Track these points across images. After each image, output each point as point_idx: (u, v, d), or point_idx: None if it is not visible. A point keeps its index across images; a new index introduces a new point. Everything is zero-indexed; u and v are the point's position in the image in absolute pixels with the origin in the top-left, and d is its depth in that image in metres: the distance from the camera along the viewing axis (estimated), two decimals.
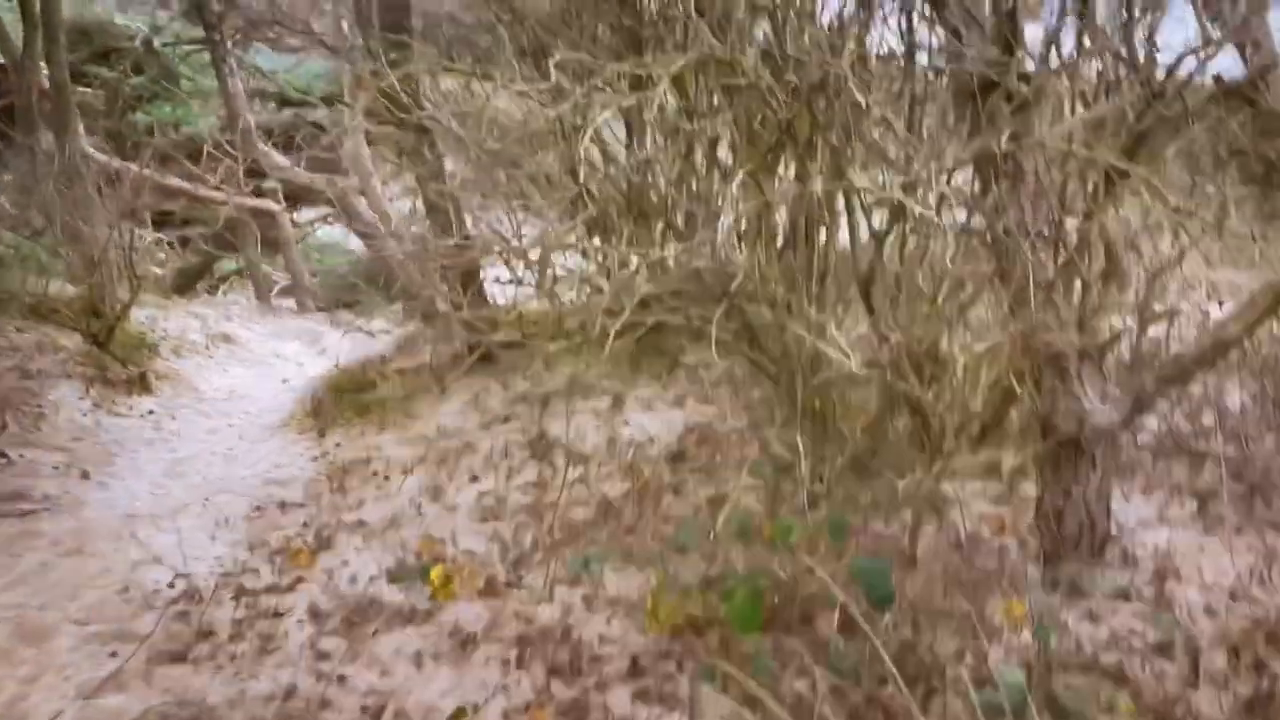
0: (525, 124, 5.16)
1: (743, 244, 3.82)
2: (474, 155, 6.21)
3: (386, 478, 5.80)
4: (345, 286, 18.80)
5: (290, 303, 19.45)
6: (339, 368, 8.43)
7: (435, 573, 3.99)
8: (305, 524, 5.11)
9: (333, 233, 19.49)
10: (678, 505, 4.89)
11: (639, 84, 3.35)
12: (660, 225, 3.96)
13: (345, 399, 7.45)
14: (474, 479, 5.62)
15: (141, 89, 14.87)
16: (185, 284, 17.85)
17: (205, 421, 7.73)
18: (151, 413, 7.66)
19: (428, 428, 6.59)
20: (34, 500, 5.44)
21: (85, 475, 5.96)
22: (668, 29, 3.67)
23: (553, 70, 3.31)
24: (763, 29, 3.65)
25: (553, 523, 4.78)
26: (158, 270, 16.58)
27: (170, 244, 18.18)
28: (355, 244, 20.37)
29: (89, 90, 14.25)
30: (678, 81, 3.46)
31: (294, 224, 16.45)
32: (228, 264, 19.41)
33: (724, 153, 4.09)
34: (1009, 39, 3.33)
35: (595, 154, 3.95)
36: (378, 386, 7.53)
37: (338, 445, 6.58)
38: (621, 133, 5.03)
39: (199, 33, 10.04)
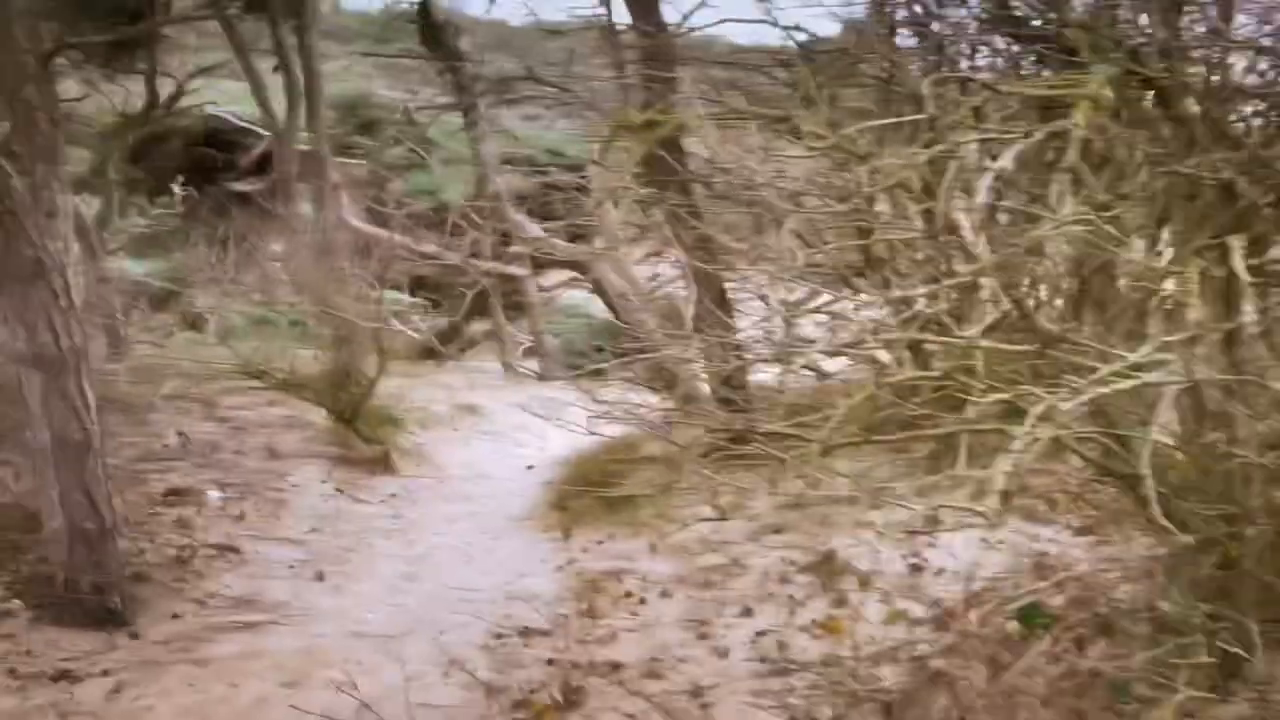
0: (827, 181, 4.21)
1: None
2: (765, 217, 5.30)
3: (642, 600, 4.90)
4: (586, 353, 18.60)
5: (533, 364, 19.52)
6: (584, 454, 7.69)
7: None
8: (550, 662, 4.26)
9: (575, 297, 19.39)
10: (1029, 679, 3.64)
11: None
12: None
13: (590, 489, 6.65)
14: (746, 612, 4.61)
15: (400, 158, 15.27)
16: (434, 347, 18.17)
17: (445, 508, 7.17)
18: (393, 496, 7.21)
19: (686, 535, 5.65)
20: (264, 608, 4.93)
21: (319, 577, 5.44)
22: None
23: (927, 93, 2.30)
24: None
25: (856, 691, 3.67)
26: (413, 333, 16.96)
27: (421, 308, 18.68)
28: (597, 308, 20.28)
29: (351, 161, 14.74)
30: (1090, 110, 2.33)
31: (539, 288, 16.33)
32: (476, 327, 19.77)
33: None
34: None
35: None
36: (627, 479, 6.69)
37: (584, 551, 5.78)
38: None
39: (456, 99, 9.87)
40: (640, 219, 14.45)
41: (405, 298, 15.00)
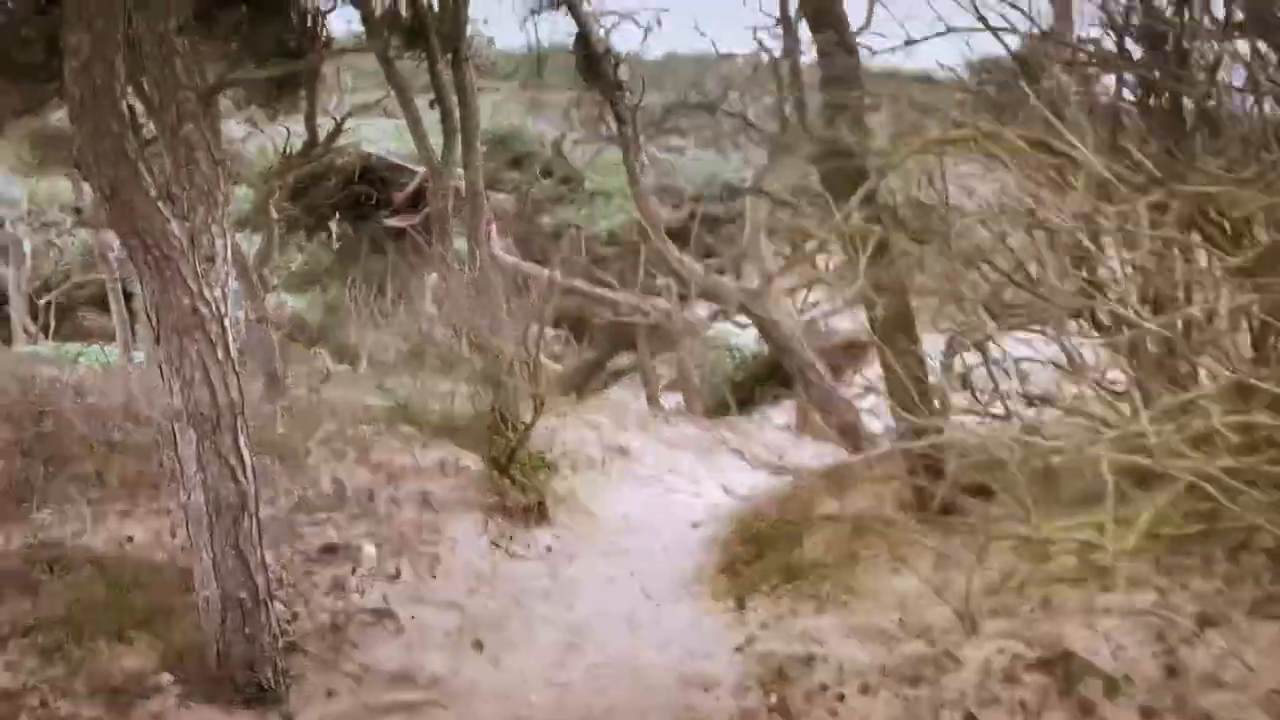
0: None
1: None
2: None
3: (840, 698, 4.25)
4: (735, 387, 17.96)
5: (677, 398, 19.03)
6: (751, 506, 7.10)
7: None
8: None
9: (723, 330, 18.84)
10: None
11: None
12: None
13: (765, 553, 6.06)
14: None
15: (550, 191, 15.11)
16: (579, 381, 17.92)
17: (603, 565, 6.69)
18: (549, 550, 6.78)
19: (882, 612, 4.98)
20: (422, 685, 4.53)
21: (478, 646, 5.02)
22: None
23: None
24: None
25: None
26: (555, 366, 16.75)
27: (566, 340, 18.49)
28: (744, 341, 19.65)
29: (501, 195, 14.67)
30: None
31: (686, 322, 15.86)
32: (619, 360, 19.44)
33: None
34: None
35: None
36: (804, 540, 6.06)
37: (764, 627, 5.15)
38: None
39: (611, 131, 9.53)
40: (798, 250, 13.78)
41: (549, 331, 14.79)
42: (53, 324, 18.51)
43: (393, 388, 8.75)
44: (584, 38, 7.69)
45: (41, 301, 18.30)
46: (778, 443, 11.82)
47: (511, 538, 6.79)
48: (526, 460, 7.63)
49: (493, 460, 7.23)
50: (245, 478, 4.13)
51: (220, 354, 4.05)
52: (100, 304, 17.95)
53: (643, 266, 12.74)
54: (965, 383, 5.99)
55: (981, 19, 4.73)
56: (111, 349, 15.82)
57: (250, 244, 11.50)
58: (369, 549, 5.67)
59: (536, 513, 7.27)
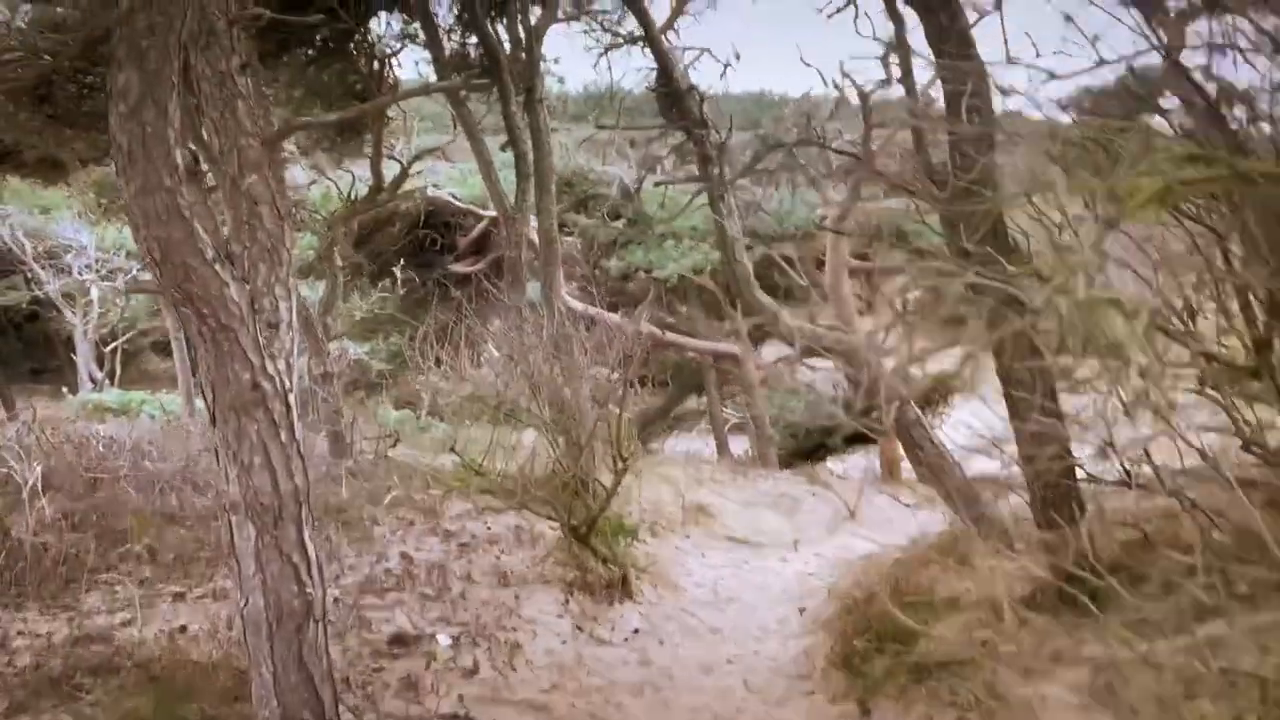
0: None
1: None
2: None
3: None
4: (807, 435, 17.22)
5: (743, 442, 18.31)
6: (860, 584, 6.39)
7: None
8: None
9: (807, 377, 18.13)
10: None
11: None
12: None
13: (884, 644, 5.35)
14: None
15: (617, 234, 14.64)
16: (648, 424, 17.33)
17: (698, 650, 6.03)
18: (636, 632, 6.14)
19: None
20: None
21: None
22: None
23: None
24: None
25: None
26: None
27: (632, 385, 17.93)
28: (818, 383, 18.91)
29: (569, 239, 14.22)
30: None
31: (761, 367, 15.21)
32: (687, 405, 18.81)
33: None
34: None
35: None
36: (927, 626, 5.35)
37: None
38: None
39: (690, 172, 9.00)
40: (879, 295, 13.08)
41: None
42: (118, 370, 18.44)
43: (460, 446, 8.23)
44: (666, 73, 7.18)
45: (108, 348, 18.25)
46: (878, 502, 11.06)
47: (595, 618, 6.17)
48: (606, 527, 7.04)
49: (572, 529, 6.64)
50: (310, 577, 3.58)
51: (284, 435, 3.53)
52: (166, 349, 17.85)
53: (725, 309, 12.18)
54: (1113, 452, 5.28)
55: (1148, 38, 4.08)
56: (174, 397, 15.62)
57: (314, 292, 11.14)
58: (443, 639, 5.10)
59: (621, 587, 6.66)
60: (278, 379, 3.58)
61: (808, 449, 16.73)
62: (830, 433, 16.71)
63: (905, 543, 9.57)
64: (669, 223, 12.55)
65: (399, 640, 5.05)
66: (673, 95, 7.26)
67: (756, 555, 8.98)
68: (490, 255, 13.55)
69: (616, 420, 6.48)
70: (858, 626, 5.79)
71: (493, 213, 13.95)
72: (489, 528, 7.05)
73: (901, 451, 14.13)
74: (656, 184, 8.96)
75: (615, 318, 10.01)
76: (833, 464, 16.24)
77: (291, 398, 3.64)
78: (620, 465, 6.62)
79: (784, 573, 8.42)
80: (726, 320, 14.80)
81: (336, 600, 5.38)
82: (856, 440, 17.02)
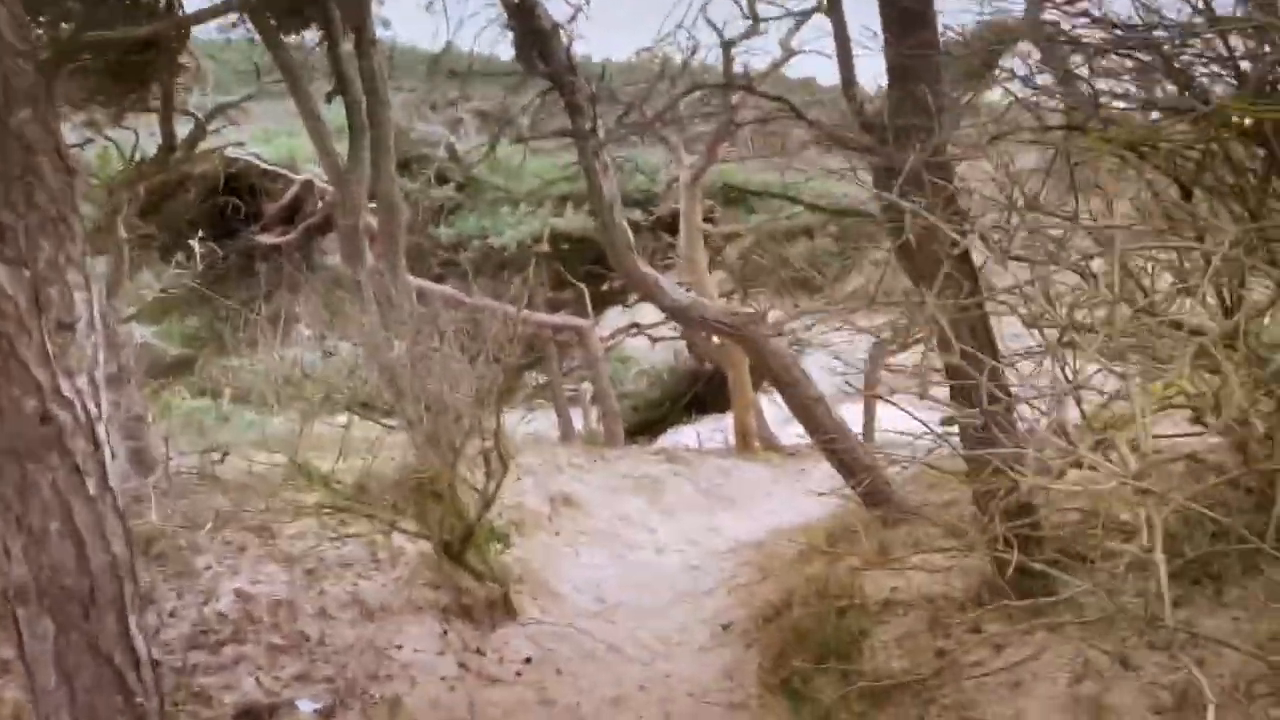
0: None
1: None
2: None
3: None
4: (651, 406, 16.66)
5: (580, 419, 17.57)
6: (778, 590, 5.77)
7: None
8: None
9: (635, 346, 17.52)
10: None
11: None
12: None
13: (824, 657, 4.74)
14: None
15: (445, 199, 13.47)
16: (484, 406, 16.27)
17: (600, 676, 5.25)
18: (529, 661, 5.28)
19: None
20: None
21: None
22: None
23: None
24: None
25: None
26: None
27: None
28: (657, 358, 18.34)
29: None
30: None
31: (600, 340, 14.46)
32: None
33: None
34: None
35: None
36: (869, 637, 4.77)
37: None
38: None
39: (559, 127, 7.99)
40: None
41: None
42: None
43: (286, 438, 7.02)
44: (527, 9, 6.20)
45: None
46: (739, 476, 10.56)
47: (479, 649, 5.27)
48: (480, 536, 6.10)
49: (444, 545, 5.67)
50: (141, 683, 2.53)
51: (93, 485, 2.46)
52: None
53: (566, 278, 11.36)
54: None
55: None
56: None
57: (95, 269, 9.46)
58: (305, 708, 4.08)
59: (502, 607, 5.77)
60: (79, 404, 2.49)
61: (651, 421, 16.19)
62: (675, 402, 16.24)
63: (787, 525, 9.11)
64: (515, 188, 11.51)
65: (249, 715, 3.99)
66: (534, 35, 6.30)
67: (629, 547, 8.26)
68: (303, 224, 12.08)
69: (496, 414, 5.56)
70: (786, 639, 5.15)
71: (305, 176, 12.48)
72: (339, 547, 5.96)
73: (754, 421, 13.79)
74: (514, 142, 7.97)
75: (494, 301, 9.01)
76: (681, 435, 15.76)
77: (101, 429, 2.56)
78: (500, 466, 5.69)
79: (664, 566, 7.75)
80: (568, 291, 13.96)
81: (157, 664, 4.23)
82: (698, 409, 16.63)
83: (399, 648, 4.99)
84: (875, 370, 15.72)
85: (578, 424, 16.39)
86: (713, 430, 15.14)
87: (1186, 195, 4.11)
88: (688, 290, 10.19)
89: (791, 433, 17.93)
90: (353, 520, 6.04)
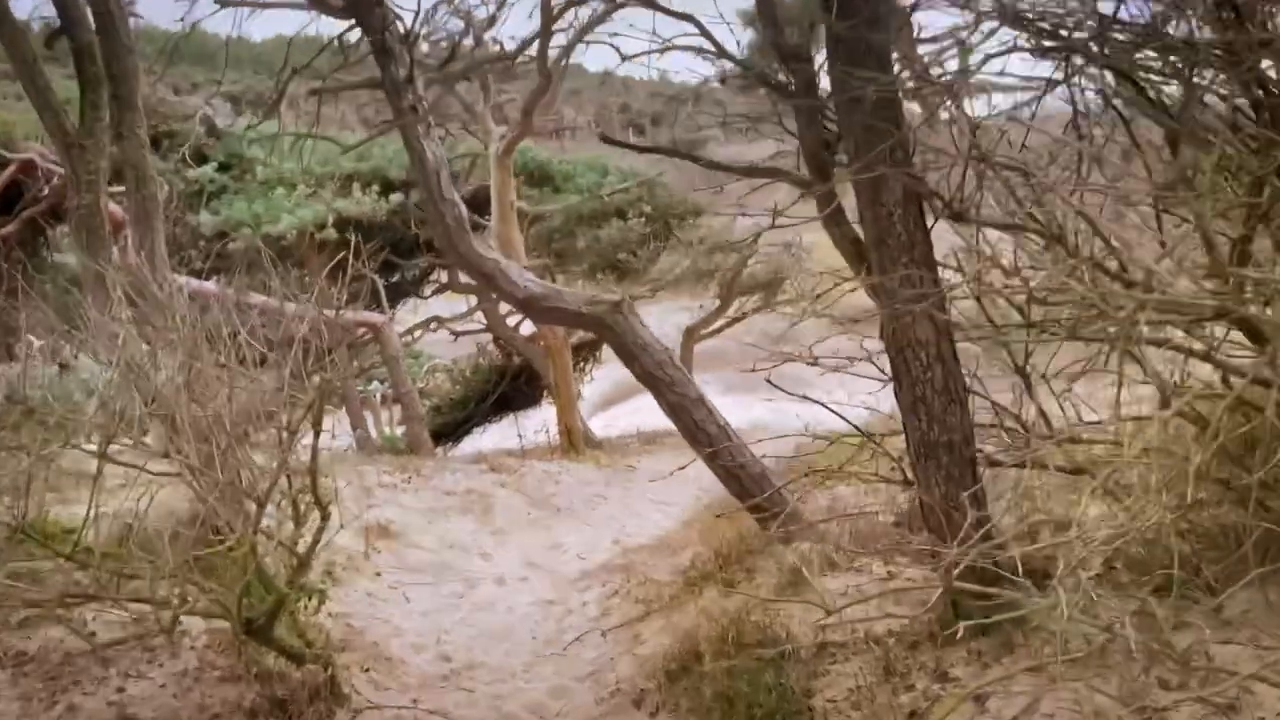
0: None
1: None
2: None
3: None
4: (455, 406, 15.27)
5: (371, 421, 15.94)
6: (682, 634, 4.74)
7: None
8: None
9: (430, 341, 16.05)
10: None
11: None
12: None
13: (721, 684, 3.80)
14: None
15: (207, 181, 11.54)
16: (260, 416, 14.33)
17: None
18: None
19: None
20: None
21: None
22: None
23: None
24: None
25: None
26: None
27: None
28: (448, 353, 16.91)
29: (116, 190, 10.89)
30: None
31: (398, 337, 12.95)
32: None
33: None
34: None
35: None
36: (810, 702, 3.85)
37: None
38: None
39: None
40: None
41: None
42: None
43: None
44: None
45: None
46: (568, 482, 9.49)
47: None
48: (291, 602, 4.72)
49: (245, 623, 4.27)
50: None
51: None
52: None
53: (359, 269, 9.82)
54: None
55: None
56: None
57: None
58: None
59: (330, 692, 4.45)
60: None
61: (455, 422, 14.81)
62: (480, 402, 14.94)
63: (634, 538, 8.14)
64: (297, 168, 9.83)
65: None
66: None
67: (467, 583, 7.01)
68: (26, 212, 9.90)
69: (312, 453, 4.22)
70: (703, 703, 4.14)
71: (22, 155, 10.25)
72: (94, 634, 4.42)
73: (580, 421, 12.77)
74: (311, 93, 6.44)
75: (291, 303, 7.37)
76: (488, 436, 14.49)
77: None
78: (319, 515, 4.34)
79: (514, 604, 6.58)
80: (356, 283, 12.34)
81: None
82: (502, 408, 15.44)
83: None
84: (687, 351, 15.16)
85: (370, 430, 14.83)
86: (531, 430, 13.98)
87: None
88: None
89: (599, 424, 17.11)
90: (104, 591, 4.50)
